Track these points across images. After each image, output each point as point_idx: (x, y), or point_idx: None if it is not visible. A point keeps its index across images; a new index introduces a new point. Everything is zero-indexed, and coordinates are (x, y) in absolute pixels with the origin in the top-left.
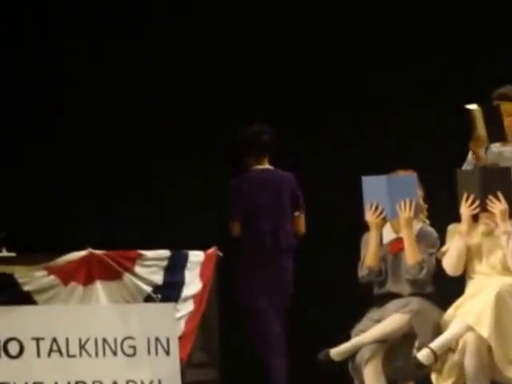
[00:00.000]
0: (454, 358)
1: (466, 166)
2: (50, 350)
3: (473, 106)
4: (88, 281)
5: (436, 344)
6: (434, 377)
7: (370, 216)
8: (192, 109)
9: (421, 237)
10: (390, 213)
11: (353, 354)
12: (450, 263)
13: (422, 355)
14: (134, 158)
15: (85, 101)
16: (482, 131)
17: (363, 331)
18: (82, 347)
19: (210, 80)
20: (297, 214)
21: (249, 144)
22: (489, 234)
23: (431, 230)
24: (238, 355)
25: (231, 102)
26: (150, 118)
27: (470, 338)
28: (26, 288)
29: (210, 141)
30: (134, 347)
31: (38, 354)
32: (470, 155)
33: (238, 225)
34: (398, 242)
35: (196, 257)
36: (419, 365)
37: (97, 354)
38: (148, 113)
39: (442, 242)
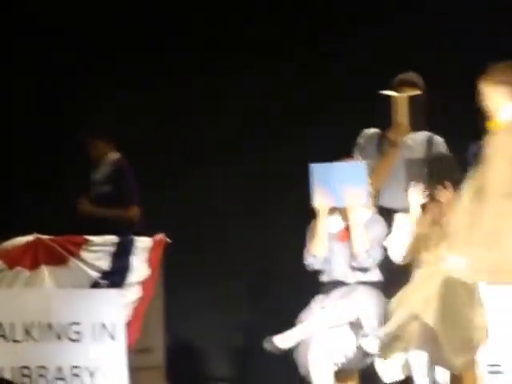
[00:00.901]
0: (400, 346)
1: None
2: None
3: (393, 93)
4: (34, 265)
5: (382, 332)
6: (379, 365)
7: (318, 203)
8: None
9: (369, 224)
10: (339, 200)
11: (298, 342)
12: (397, 252)
13: (368, 343)
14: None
15: None
16: (404, 118)
17: (309, 318)
18: (26, 332)
19: None
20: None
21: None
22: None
23: (379, 218)
24: (183, 341)
25: None
26: None
27: (415, 326)
28: None
29: None
30: (79, 333)
31: None
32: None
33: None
34: (346, 229)
35: (143, 243)
36: (364, 353)
37: (42, 339)
38: None
39: (390, 230)
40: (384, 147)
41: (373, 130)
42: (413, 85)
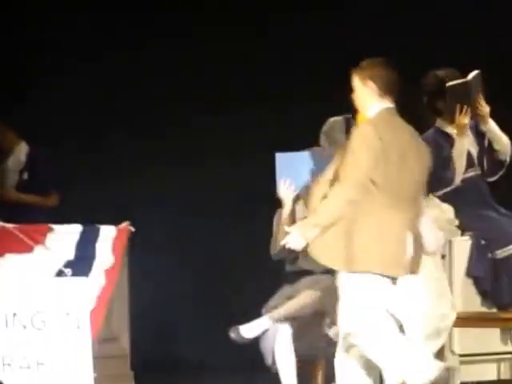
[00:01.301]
0: None
1: None
2: None
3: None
4: None
5: None
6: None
7: (282, 192)
8: None
9: None
10: (302, 189)
11: (264, 331)
12: None
13: (333, 332)
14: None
15: None
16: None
17: (275, 308)
18: None
19: None
20: None
21: None
22: None
23: None
24: (148, 329)
25: None
26: None
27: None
28: None
29: None
30: (44, 322)
31: None
32: None
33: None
34: None
35: (108, 231)
36: (330, 342)
37: (6, 328)
38: None
39: None
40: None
41: (338, 118)
42: None
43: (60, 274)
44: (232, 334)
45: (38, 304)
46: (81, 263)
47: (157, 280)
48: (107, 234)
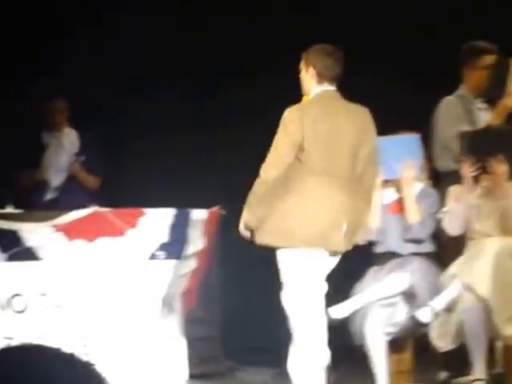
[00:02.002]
0: (453, 316)
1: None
2: (55, 306)
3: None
4: (92, 237)
5: (435, 302)
6: (432, 335)
7: None
8: None
9: (421, 197)
10: (391, 173)
11: (353, 312)
12: (451, 223)
13: (421, 314)
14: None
15: None
16: None
17: (364, 289)
18: (85, 303)
19: None
20: None
21: None
22: (490, 194)
23: (432, 190)
24: (238, 312)
25: None
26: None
27: (468, 297)
28: (31, 244)
29: None
30: (137, 303)
31: (43, 309)
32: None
33: None
34: (399, 201)
35: (199, 215)
36: (419, 323)
37: (99, 309)
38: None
39: (443, 202)
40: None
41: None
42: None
43: (153, 256)
44: None
45: (131, 286)
46: (173, 246)
47: (246, 262)
48: (198, 217)
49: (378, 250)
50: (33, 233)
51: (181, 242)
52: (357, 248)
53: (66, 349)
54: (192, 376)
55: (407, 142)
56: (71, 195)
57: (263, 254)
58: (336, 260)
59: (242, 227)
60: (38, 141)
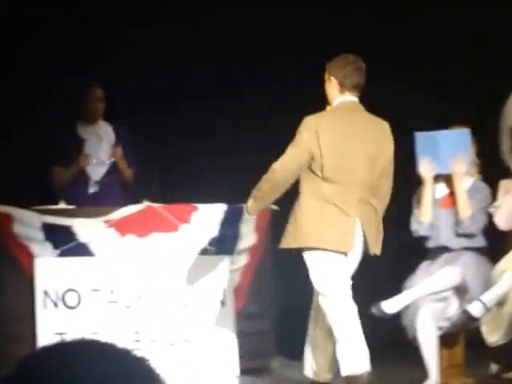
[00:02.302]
0: (504, 311)
1: None
2: (108, 301)
3: None
4: (144, 233)
5: (486, 297)
6: (483, 329)
7: (423, 170)
8: None
9: (473, 191)
10: (443, 167)
11: (405, 307)
12: (503, 218)
13: (473, 308)
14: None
15: None
16: None
17: (416, 284)
18: (138, 298)
19: None
20: None
21: None
22: None
23: (483, 184)
24: (291, 306)
25: None
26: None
27: None
28: (84, 240)
29: None
30: (189, 298)
31: (96, 305)
32: None
33: None
34: (450, 196)
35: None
36: (470, 317)
37: (153, 305)
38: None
39: (495, 197)
40: None
41: None
42: None
43: (204, 251)
44: (373, 310)
45: (183, 281)
46: (224, 241)
47: (298, 257)
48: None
49: (430, 244)
50: (85, 228)
51: (232, 237)
52: (409, 243)
53: (120, 344)
54: (243, 371)
55: (458, 137)
56: (109, 189)
57: None
58: (354, 263)
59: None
60: (70, 135)
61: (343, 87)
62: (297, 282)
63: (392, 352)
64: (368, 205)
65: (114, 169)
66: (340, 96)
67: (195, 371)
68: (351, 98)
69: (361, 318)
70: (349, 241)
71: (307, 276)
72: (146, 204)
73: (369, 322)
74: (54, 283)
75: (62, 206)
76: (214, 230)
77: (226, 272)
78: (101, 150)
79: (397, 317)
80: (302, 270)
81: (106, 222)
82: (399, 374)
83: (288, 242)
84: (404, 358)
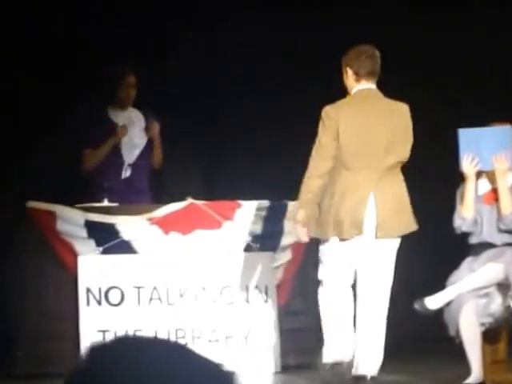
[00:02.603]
0: None
1: None
2: (151, 299)
3: None
4: (188, 230)
5: None
6: None
7: (465, 167)
8: None
9: None
10: (486, 164)
11: (448, 303)
12: None
13: None
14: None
15: None
16: None
17: (459, 280)
18: (181, 295)
19: None
20: None
21: None
22: None
23: None
24: None
25: None
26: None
27: None
28: (128, 237)
29: None
30: (232, 295)
31: (139, 303)
32: None
33: None
34: (493, 192)
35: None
36: None
37: (196, 303)
38: None
39: None
40: None
41: None
42: None
43: (248, 248)
44: (416, 306)
45: (226, 279)
46: (268, 238)
47: None
48: (294, 210)
49: (473, 240)
50: (129, 226)
51: (276, 233)
52: (452, 239)
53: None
54: (286, 367)
55: (501, 134)
56: (140, 172)
57: None
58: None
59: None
60: (103, 120)
61: (359, 76)
62: None
63: (435, 348)
64: (386, 188)
65: (146, 152)
66: (356, 85)
67: (238, 368)
68: (368, 85)
69: (405, 314)
70: (355, 226)
71: None
72: (189, 201)
73: (413, 318)
74: (96, 281)
75: (105, 203)
76: (257, 227)
77: (269, 269)
78: (133, 133)
79: (440, 313)
80: None
81: (149, 219)
82: (442, 370)
83: (310, 231)
84: (447, 355)
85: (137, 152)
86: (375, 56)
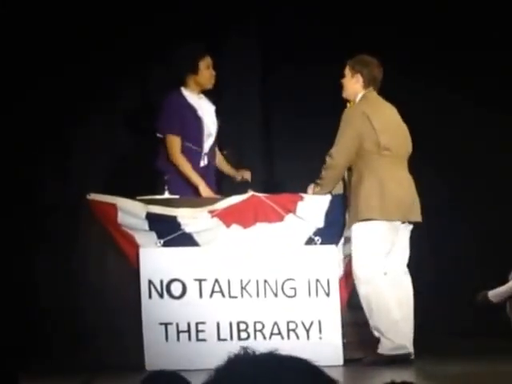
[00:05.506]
0: None
1: None
2: (212, 291)
3: None
4: (249, 223)
5: None
6: None
7: None
8: None
9: None
10: None
11: (510, 296)
12: None
13: None
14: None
15: None
16: None
17: None
18: (243, 288)
19: None
20: None
21: None
22: None
23: None
24: None
25: None
26: None
27: None
28: (189, 230)
29: None
30: (294, 289)
31: (201, 295)
32: None
33: None
34: None
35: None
36: None
37: (258, 296)
38: None
39: None
40: None
41: None
42: None
43: (310, 241)
44: (479, 299)
45: (288, 272)
46: (330, 231)
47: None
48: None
49: None
50: (190, 219)
51: (338, 226)
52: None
53: (224, 334)
54: (349, 361)
55: None
56: (213, 161)
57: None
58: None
59: None
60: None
61: (370, 83)
62: None
63: (495, 343)
64: (409, 175)
65: (216, 140)
66: (363, 90)
67: None
68: (373, 91)
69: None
70: (414, 210)
71: (413, 264)
72: (250, 194)
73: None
74: (158, 273)
75: (166, 196)
76: (319, 220)
77: (332, 262)
78: (209, 121)
79: (502, 307)
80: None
81: (210, 211)
82: (502, 364)
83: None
84: (507, 349)
85: (211, 141)
86: (381, 66)
